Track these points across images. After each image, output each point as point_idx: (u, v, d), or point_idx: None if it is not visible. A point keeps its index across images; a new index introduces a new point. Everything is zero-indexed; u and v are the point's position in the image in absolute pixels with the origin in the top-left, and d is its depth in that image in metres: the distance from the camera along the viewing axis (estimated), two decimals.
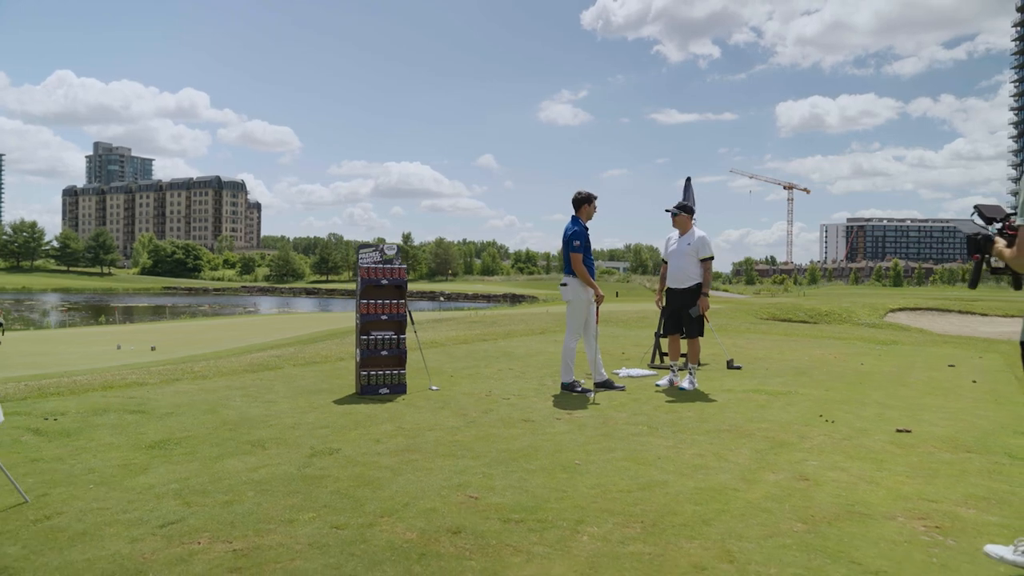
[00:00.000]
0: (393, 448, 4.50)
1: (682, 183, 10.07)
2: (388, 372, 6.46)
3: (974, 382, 7.88)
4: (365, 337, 6.47)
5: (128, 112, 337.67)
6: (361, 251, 6.66)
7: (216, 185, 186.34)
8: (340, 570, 2.65)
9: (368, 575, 2.62)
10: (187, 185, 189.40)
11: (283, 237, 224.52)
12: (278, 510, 3.30)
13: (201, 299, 73.63)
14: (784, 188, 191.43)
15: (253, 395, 6.31)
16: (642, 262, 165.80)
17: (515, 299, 77.75)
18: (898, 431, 5.16)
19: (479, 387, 6.93)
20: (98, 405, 5.69)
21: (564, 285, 6.79)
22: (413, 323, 6.82)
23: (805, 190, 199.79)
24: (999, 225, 3.13)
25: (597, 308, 6.89)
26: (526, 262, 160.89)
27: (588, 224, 6.78)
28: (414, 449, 4.49)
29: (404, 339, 6.62)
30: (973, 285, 3.20)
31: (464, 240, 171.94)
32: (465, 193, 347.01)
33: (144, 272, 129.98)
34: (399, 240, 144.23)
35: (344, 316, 31.60)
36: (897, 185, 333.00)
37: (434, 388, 6.73)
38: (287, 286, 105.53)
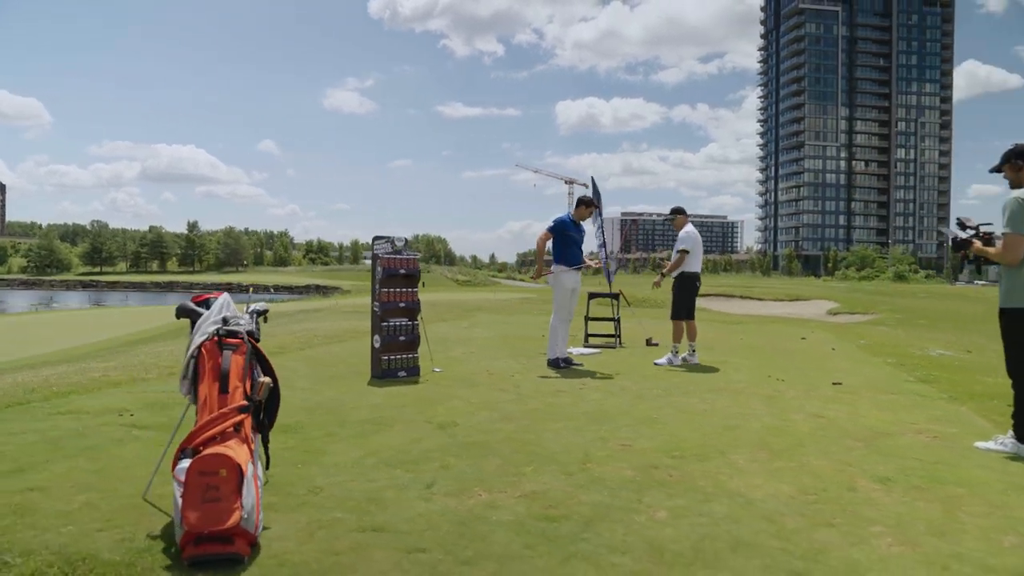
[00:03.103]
0: (496, 418, 5.20)
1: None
2: (405, 356, 6.99)
3: (833, 349, 10.11)
4: (385, 324, 6.93)
5: None
6: (376, 242, 7.10)
7: None
8: (620, 496, 3.47)
9: (646, 496, 3.46)
10: None
11: (34, 223, 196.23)
12: (495, 468, 3.95)
13: None
14: (565, 183, 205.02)
15: (283, 385, 6.48)
16: (435, 252, 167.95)
17: (322, 290, 76.39)
18: (834, 384, 6.83)
19: (473, 367, 7.66)
20: (149, 400, 5.63)
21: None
22: (419, 310, 7.36)
23: (585, 185, 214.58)
24: (972, 231, 4.69)
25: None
26: (318, 252, 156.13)
27: (583, 224, 7.92)
28: (512, 418, 5.23)
29: (417, 325, 7.18)
30: (960, 270, 4.75)
31: (247, 229, 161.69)
32: (244, 180, 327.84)
33: None
34: (184, 229, 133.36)
35: (166, 311, 29.32)
36: (662, 183, 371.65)
37: (437, 370, 7.34)
38: (57, 278, 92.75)
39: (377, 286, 6.99)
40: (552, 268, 7.80)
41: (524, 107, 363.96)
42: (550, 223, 7.78)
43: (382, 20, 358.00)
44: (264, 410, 3.28)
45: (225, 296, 3.36)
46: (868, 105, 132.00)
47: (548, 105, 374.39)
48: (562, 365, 7.69)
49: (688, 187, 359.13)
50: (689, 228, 8.44)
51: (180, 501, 2.67)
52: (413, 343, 7.13)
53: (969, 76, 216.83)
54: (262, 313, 3.47)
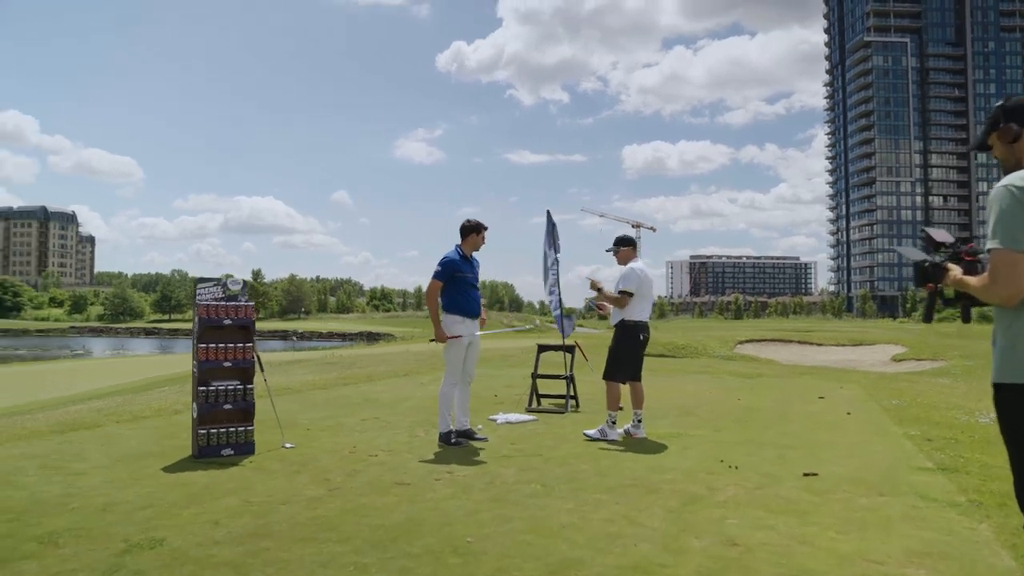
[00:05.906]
0: (237, 533, 3.53)
1: (541, 219, 9.26)
2: (232, 429, 5.40)
3: (848, 414, 7.94)
4: (203, 388, 5.37)
5: None
6: (199, 286, 5.57)
7: (42, 216, 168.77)
8: None
9: None
10: (5, 215, 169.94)
11: (121, 274, 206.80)
12: None
13: (20, 341, 65.47)
14: (632, 227, 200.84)
15: (55, 465, 5.00)
16: (498, 298, 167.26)
17: (371, 337, 76.29)
18: (805, 475, 4.84)
19: (342, 441, 6.01)
20: None
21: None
22: (263, 369, 5.80)
23: (652, 228, 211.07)
24: (947, 252, 2.78)
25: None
26: (381, 299, 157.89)
27: (476, 255, 6.22)
28: (264, 533, 3.55)
29: (252, 389, 5.59)
30: (928, 319, 2.81)
31: (318, 277, 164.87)
32: (319, 229, 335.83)
33: None
34: (248, 276, 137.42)
35: (184, 358, 28.84)
36: (731, 225, 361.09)
37: (288, 445, 5.71)
38: (124, 326, 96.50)
39: (195, 340, 5.45)
40: (443, 318, 6.08)
41: (590, 152, 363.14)
42: (436, 267, 6.04)
43: (449, 73, 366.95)
44: None
45: None
46: (944, 137, 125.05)
47: (614, 150, 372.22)
48: (453, 441, 5.91)
49: (759, 228, 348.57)
50: (636, 264, 6.53)
51: None
52: (246, 412, 5.53)
53: None
54: None
